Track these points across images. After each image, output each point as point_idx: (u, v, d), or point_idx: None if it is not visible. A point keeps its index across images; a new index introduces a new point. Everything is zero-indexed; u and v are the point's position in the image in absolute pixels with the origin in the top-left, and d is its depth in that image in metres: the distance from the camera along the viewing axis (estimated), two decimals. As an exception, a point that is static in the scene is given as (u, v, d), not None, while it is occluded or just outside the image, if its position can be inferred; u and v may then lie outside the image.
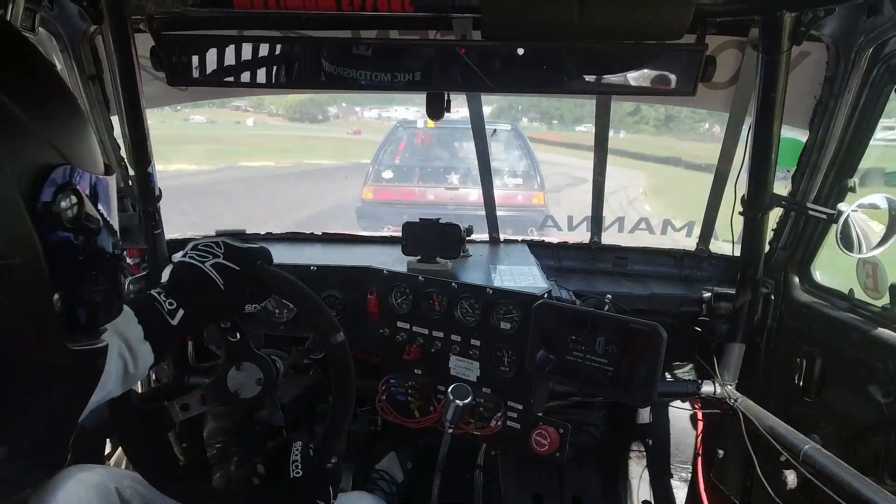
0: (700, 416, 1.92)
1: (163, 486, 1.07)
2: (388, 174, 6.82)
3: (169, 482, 1.08)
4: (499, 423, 1.54)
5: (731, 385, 1.76)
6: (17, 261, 0.47)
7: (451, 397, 1.46)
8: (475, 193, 5.69)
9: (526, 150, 6.83)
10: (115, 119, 1.82)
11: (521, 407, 1.53)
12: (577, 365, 1.37)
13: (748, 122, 1.70)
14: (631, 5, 1.18)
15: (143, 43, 1.43)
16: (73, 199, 0.51)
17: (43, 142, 0.50)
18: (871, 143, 1.57)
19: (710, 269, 2.11)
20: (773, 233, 1.83)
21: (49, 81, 0.56)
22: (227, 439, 1.19)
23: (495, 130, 6.43)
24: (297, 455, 1.10)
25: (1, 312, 0.47)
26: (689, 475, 2.05)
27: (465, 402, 1.46)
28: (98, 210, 0.55)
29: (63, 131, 0.53)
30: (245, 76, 1.42)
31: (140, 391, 1.75)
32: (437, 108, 1.43)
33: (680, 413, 1.96)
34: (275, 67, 1.42)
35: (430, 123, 7.04)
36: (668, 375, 1.90)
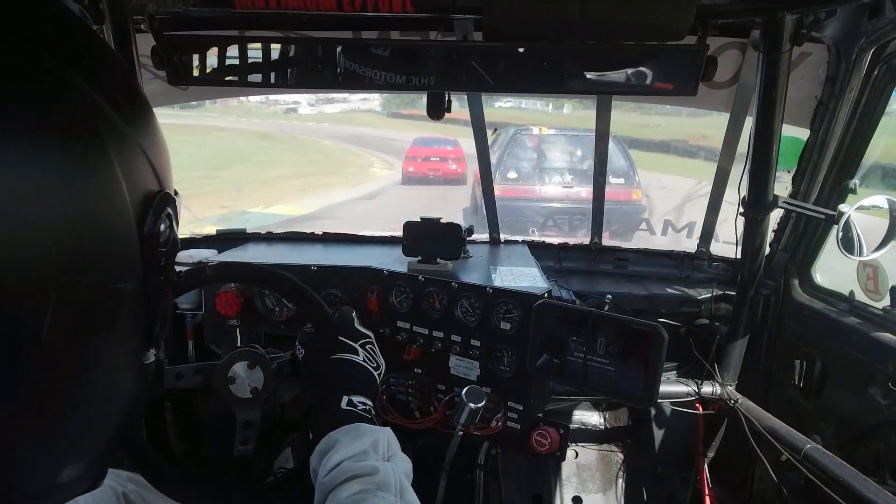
0: (700, 416, 1.93)
1: (165, 489, 1.07)
2: (512, 174, 7.68)
3: (171, 484, 1.08)
4: (499, 423, 1.54)
5: (731, 385, 1.76)
6: (128, 285, 0.48)
7: (465, 400, 1.42)
8: (585, 191, 6.91)
9: (625, 154, 7.65)
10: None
11: (521, 407, 1.53)
12: (577, 365, 1.37)
13: (749, 122, 1.70)
14: (632, 7, 1.18)
15: (144, 43, 1.43)
16: (167, 222, 0.52)
17: (147, 165, 0.50)
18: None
19: (711, 271, 2.11)
20: (773, 234, 1.82)
21: (142, 96, 0.54)
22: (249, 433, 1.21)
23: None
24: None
25: (110, 333, 0.47)
26: (690, 475, 2.05)
27: (479, 405, 1.42)
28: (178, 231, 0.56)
29: (158, 152, 0.52)
30: (245, 76, 1.42)
31: None
32: (437, 108, 1.43)
33: (680, 413, 1.96)
34: (275, 67, 1.42)
35: (544, 129, 8.25)
36: (668, 376, 1.90)
